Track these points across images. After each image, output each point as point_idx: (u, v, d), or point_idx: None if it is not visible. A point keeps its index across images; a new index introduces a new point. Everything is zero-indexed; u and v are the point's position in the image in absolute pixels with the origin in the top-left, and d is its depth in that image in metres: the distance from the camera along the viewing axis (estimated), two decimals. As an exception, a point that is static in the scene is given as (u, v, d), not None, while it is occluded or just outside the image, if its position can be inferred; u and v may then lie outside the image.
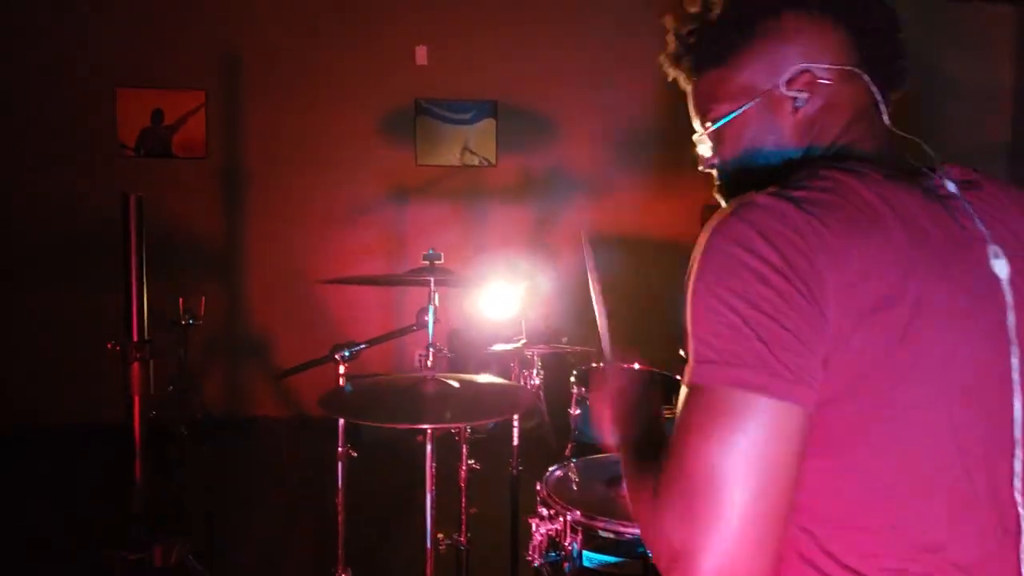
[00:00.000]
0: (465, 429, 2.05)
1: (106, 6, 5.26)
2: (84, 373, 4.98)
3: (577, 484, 1.92)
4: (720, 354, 0.78)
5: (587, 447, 2.12)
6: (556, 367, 2.59)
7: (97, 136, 5.31)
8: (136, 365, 1.78)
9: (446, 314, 5.00)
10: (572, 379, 2.15)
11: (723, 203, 1.08)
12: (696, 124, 1.09)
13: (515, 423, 2.49)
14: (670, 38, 1.09)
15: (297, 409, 5.44)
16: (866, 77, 0.98)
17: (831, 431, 0.81)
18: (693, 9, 1.04)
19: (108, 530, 2.05)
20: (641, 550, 1.58)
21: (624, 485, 0.95)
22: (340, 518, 1.96)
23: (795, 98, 0.97)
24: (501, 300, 2.64)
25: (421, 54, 5.62)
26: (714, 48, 1.02)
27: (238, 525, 3.53)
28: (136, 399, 1.80)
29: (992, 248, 0.86)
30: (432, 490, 1.64)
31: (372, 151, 5.60)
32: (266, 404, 5.51)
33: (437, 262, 1.81)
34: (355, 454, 1.98)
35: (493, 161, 5.72)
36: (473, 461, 2.16)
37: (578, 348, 2.34)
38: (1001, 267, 0.85)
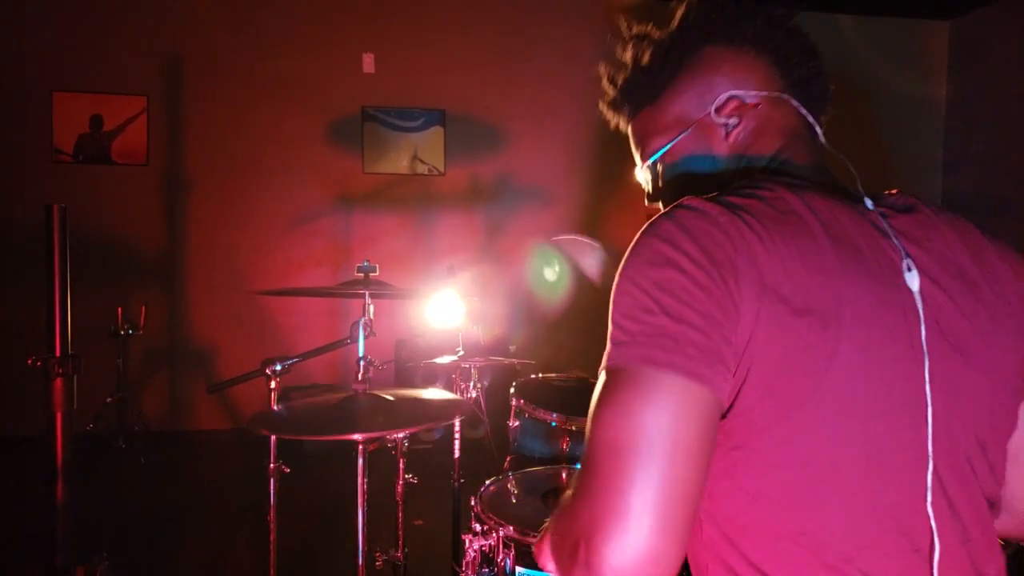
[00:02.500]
0: (403, 443, 2.02)
1: (44, 7, 5.12)
2: (11, 385, 4.82)
3: (516, 497, 1.91)
4: (632, 335, 0.78)
5: (526, 460, 2.12)
6: (502, 378, 2.58)
7: (32, 141, 5.17)
8: (59, 381, 1.71)
9: (389, 325, 5.00)
10: (511, 391, 2.15)
11: None
12: (637, 159, 1.13)
13: (456, 434, 2.48)
14: (606, 85, 1.13)
15: (237, 422, 5.35)
16: (794, 101, 1.01)
17: (742, 434, 0.81)
18: (625, 57, 1.09)
19: (31, 548, 1.97)
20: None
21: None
22: (272, 536, 1.92)
23: (726, 124, 1.00)
24: (446, 310, 2.62)
25: (368, 62, 5.59)
26: (646, 89, 1.07)
27: (172, 540, 3.45)
28: (59, 415, 1.73)
29: (906, 262, 0.88)
30: (364, 504, 1.61)
31: (318, 158, 5.54)
32: (206, 416, 5.40)
33: (372, 274, 1.79)
34: (287, 470, 1.95)
35: (442, 170, 5.71)
36: (411, 475, 2.14)
37: (516, 361, 2.33)
38: (912, 280, 0.87)
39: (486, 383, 2.28)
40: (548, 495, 1.86)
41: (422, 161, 5.68)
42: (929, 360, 0.85)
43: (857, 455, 0.82)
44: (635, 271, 0.82)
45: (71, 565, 1.76)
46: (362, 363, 1.61)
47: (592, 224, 5.80)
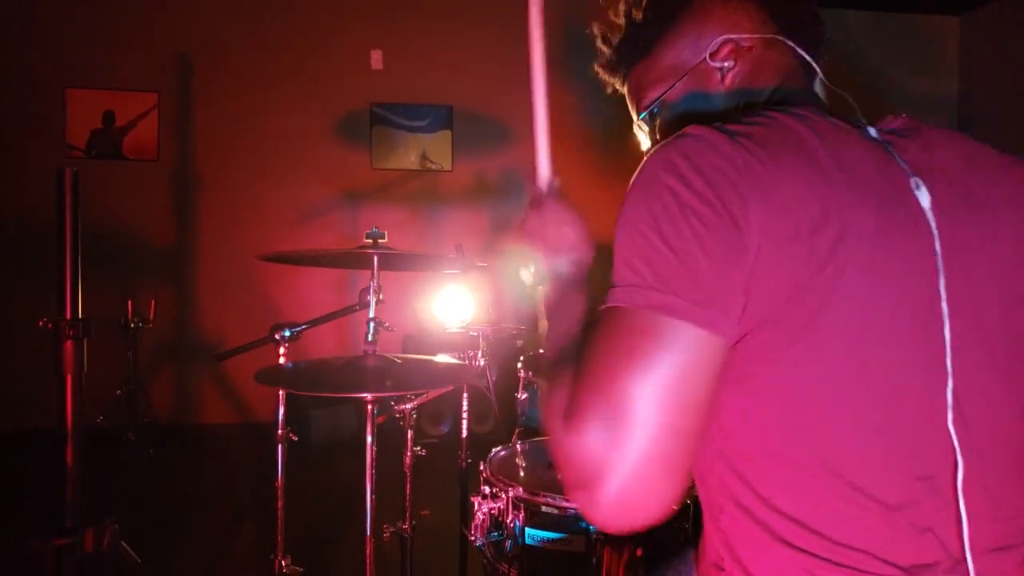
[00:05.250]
0: (411, 414, 2.02)
1: (59, 5, 5.17)
2: (28, 376, 4.85)
3: (524, 468, 1.91)
4: (643, 278, 0.78)
5: (534, 431, 2.11)
6: (506, 357, 2.57)
7: (45, 137, 5.20)
8: (69, 344, 1.73)
9: (397, 321, 4.98)
10: (519, 364, 2.14)
11: None
12: (634, 116, 1.14)
13: (464, 415, 2.48)
14: (600, 46, 1.16)
15: (246, 416, 5.36)
16: (789, 42, 1.01)
17: (755, 361, 0.81)
18: (616, 17, 1.12)
19: (41, 521, 1.98)
20: (584, 525, 1.56)
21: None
22: (280, 503, 1.92)
23: (721, 68, 1.01)
24: (455, 305, 2.63)
25: (376, 58, 5.61)
26: (640, 43, 1.08)
27: (181, 523, 3.45)
28: (68, 378, 1.74)
29: (913, 180, 0.87)
30: (372, 469, 1.61)
31: (327, 154, 5.56)
32: (215, 410, 5.41)
33: (380, 240, 1.79)
34: (295, 438, 1.94)
35: (449, 167, 5.72)
36: (419, 448, 2.13)
37: (523, 328, 2.32)
38: (923, 197, 0.86)
39: (494, 375, 2.27)
40: (553, 463, 1.85)
41: (430, 160, 5.70)
42: (944, 277, 0.84)
43: (868, 378, 0.80)
44: (639, 205, 0.81)
45: (80, 527, 1.77)
46: (372, 324, 1.61)
47: (601, 220, 5.78)
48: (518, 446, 1.97)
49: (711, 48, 1.01)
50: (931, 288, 0.83)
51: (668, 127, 1.06)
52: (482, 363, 2.13)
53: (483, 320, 2.21)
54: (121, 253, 5.20)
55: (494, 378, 2.57)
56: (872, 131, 0.93)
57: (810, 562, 0.80)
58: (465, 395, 2.40)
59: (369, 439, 1.61)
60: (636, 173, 0.84)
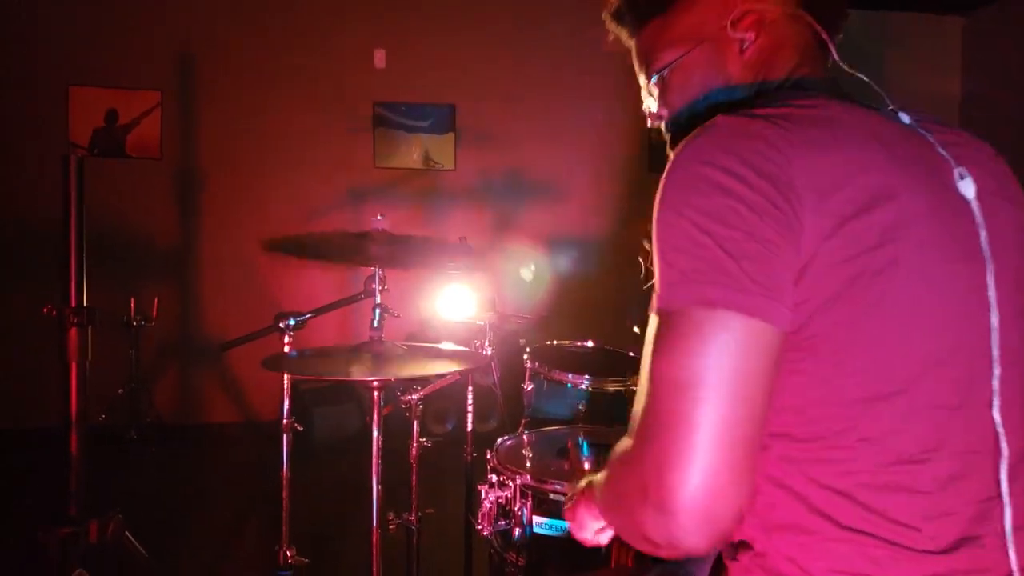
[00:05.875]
0: (417, 405, 2.01)
1: (62, 3, 5.17)
2: (28, 376, 4.86)
3: (530, 459, 1.89)
4: (684, 273, 0.75)
5: (540, 422, 2.10)
6: (510, 353, 2.56)
7: (48, 135, 5.20)
8: (73, 331, 1.72)
9: (401, 317, 4.96)
10: (525, 355, 2.13)
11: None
12: (641, 79, 1.08)
13: (469, 409, 2.46)
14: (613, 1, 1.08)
15: (249, 414, 5.35)
16: (809, 17, 0.98)
17: (803, 340, 0.78)
18: None
19: (44, 514, 1.97)
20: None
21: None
22: (284, 494, 1.90)
23: (742, 39, 0.96)
24: (458, 297, 2.61)
25: (379, 57, 5.60)
26: None
27: (184, 520, 3.44)
28: (73, 366, 1.74)
29: (957, 170, 0.86)
30: (379, 456, 1.60)
31: (330, 153, 5.55)
32: (218, 409, 5.39)
33: (384, 226, 1.79)
34: (300, 428, 1.93)
35: (452, 166, 5.72)
36: (425, 439, 2.12)
37: (527, 316, 2.31)
38: (968, 187, 0.85)
39: (498, 371, 2.26)
40: (563, 451, 1.84)
41: (432, 159, 5.70)
42: (992, 267, 0.82)
43: (919, 360, 0.79)
44: (676, 198, 0.78)
45: (84, 518, 1.76)
46: (377, 311, 1.60)
47: (604, 221, 5.79)
48: (525, 436, 1.96)
49: (733, 16, 0.95)
50: (979, 277, 0.82)
51: (679, 94, 1.02)
52: (489, 352, 2.11)
53: (489, 311, 2.19)
54: (124, 251, 5.19)
55: (499, 373, 2.57)
56: (905, 117, 0.91)
57: (857, 540, 0.79)
58: (470, 388, 2.39)
59: (375, 428, 1.60)
60: (669, 168, 0.81)
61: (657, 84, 1.04)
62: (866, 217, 0.75)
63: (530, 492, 1.61)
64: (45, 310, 1.75)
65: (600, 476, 0.94)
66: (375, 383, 1.53)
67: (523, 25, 5.71)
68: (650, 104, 1.08)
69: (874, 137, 0.82)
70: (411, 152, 5.69)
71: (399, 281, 2.22)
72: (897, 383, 0.78)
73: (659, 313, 0.77)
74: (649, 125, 1.10)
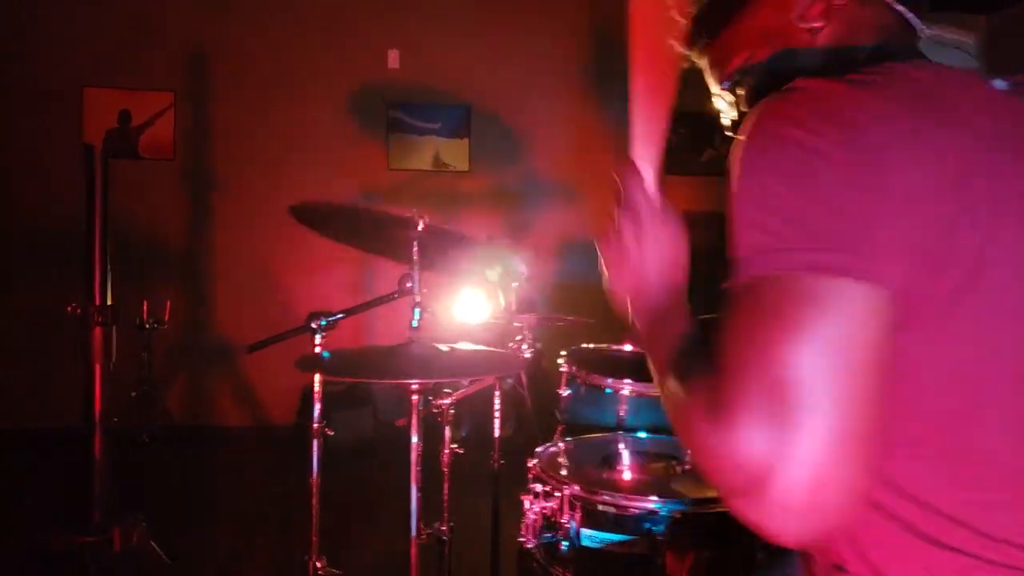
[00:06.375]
0: (449, 410, 1.93)
1: (74, 4, 5.12)
2: (45, 376, 4.81)
3: (567, 467, 1.81)
4: (782, 239, 0.67)
5: (579, 429, 2.02)
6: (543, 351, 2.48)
7: (63, 136, 5.14)
8: (97, 330, 1.64)
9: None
10: (561, 359, 2.05)
11: None
12: (714, 88, 1.04)
13: (497, 412, 2.38)
14: (678, 18, 1.03)
15: (262, 419, 5.28)
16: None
17: (899, 337, 0.70)
18: None
19: (67, 519, 1.89)
20: (647, 526, 1.46)
21: (665, 398, 0.83)
22: (314, 500, 1.82)
23: (811, 29, 0.91)
24: (476, 304, 2.54)
25: (393, 57, 5.55)
26: (724, 10, 0.99)
27: (202, 525, 3.36)
28: (97, 367, 1.66)
29: None
30: (418, 464, 1.52)
31: (343, 154, 5.49)
32: (230, 413, 5.32)
33: (420, 219, 1.71)
34: (331, 432, 1.85)
35: (466, 168, 5.65)
36: (456, 445, 2.04)
37: (570, 318, 2.22)
38: None
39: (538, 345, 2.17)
40: (607, 461, 1.76)
41: (445, 162, 5.63)
42: None
43: (1015, 362, 0.72)
44: (764, 162, 0.71)
45: (108, 524, 1.68)
46: (417, 310, 1.53)
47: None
48: (561, 444, 1.88)
49: (800, 9, 0.91)
50: None
51: (756, 92, 0.97)
52: (528, 355, 2.03)
53: (529, 312, 2.10)
54: (136, 253, 5.12)
55: (526, 377, 2.49)
56: (1001, 83, 0.84)
57: (961, 561, 0.71)
58: (497, 393, 2.31)
59: (414, 434, 1.52)
60: (750, 131, 0.75)
61: (729, 89, 1.01)
62: (953, 199, 0.68)
63: (579, 503, 1.53)
64: (69, 308, 1.66)
65: (676, 383, 0.80)
66: (414, 386, 1.45)
67: (539, 26, 5.65)
68: (725, 109, 1.04)
69: (969, 107, 0.75)
70: (425, 154, 5.63)
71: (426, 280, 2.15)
72: (1004, 382, 0.72)
73: (751, 281, 0.69)
74: (727, 133, 1.06)
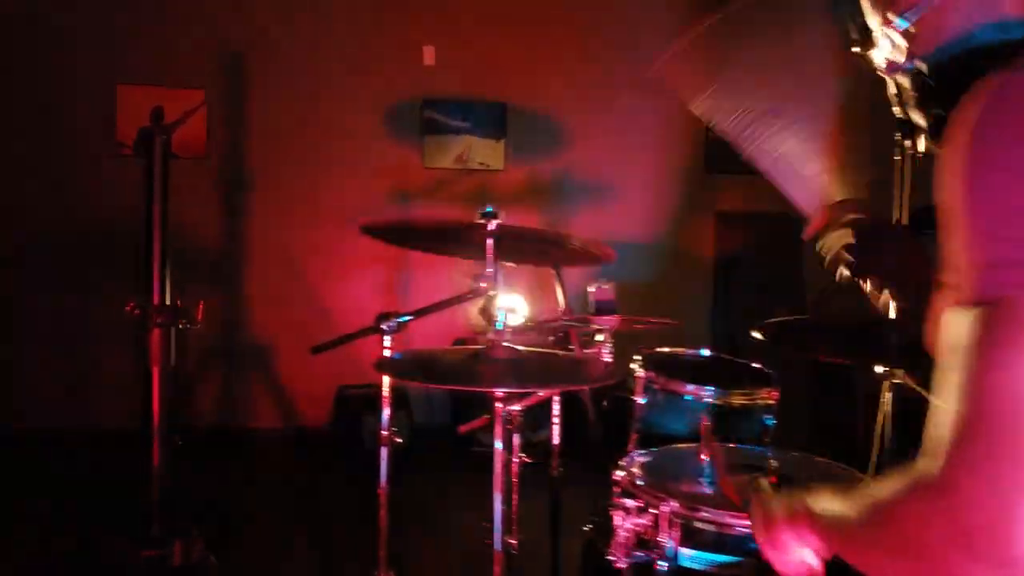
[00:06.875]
0: (518, 416, 1.82)
1: (107, 1, 5.06)
2: (82, 376, 4.76)
3: (658, 481, 1.68)
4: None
5: (655, 438, 1.90)
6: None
7: (96, 134, 5.09)
8: (157, 332, 1.54)
9: (447, 321, 4.83)
10: (636, 363, 1.93)
11: (920, 117, 0.89)
12: (875, 24, 0.90)
13: (555, 420, 2.27)
14: None
15: (295, 421, 5.20)
16: None
17: None
18: None
19: (119, 527, 1.79)
20: (754, 546, 1.34)
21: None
22: (383, 512, 1.72)
23: None
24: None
25: (429, 54, 5.45)
26: None
27: (244, 534, 3.26)
28: (156, 372, 1.56)
29: None
30: (506, 468, 1.41)
31: (378, 152, 5.41)
32: (264, 415, 5.24)
33: (495, 219, 1.61)
34: (400, 440, 1.75)
35: (501, 166, 5.55)
36: (524, 455, 1.93)
37: (654, 320, 2.10)
38: None
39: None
40: (701, 473, 1.63)
41: (482, 161, 5.54)
42: None
43: None
44: (999, 152, 0.60)
45: (168, 538, 1.59)
46: (501, 311, 1.42)
47: (656, 225, 5.60)
48: (645, 455, 1.76)
49: None
50: None
51: (935, 35, 0.84)
52: (609, 359, 1.92)
53: (606, 307, 1.98)
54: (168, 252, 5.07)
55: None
56: None
57: None
58: (557, 398, 2.19)
59: (499, 442, 1.41)
60: (973, 115, 0.63)
61: (898, 27, 0.86)
62: None
63: (678, 520, 1.42)
64: (128, 307, 1.56)
65: (836, 503, 0.79)
66: (500, 395, 1.35)
67: (577, 23, 5.55)
68: (888, 52, 0.89)
69: None
70: (459, 152, 5.53)
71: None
72: None
73: (983, 303, 0.58)
74: (885, 75, 0.92)
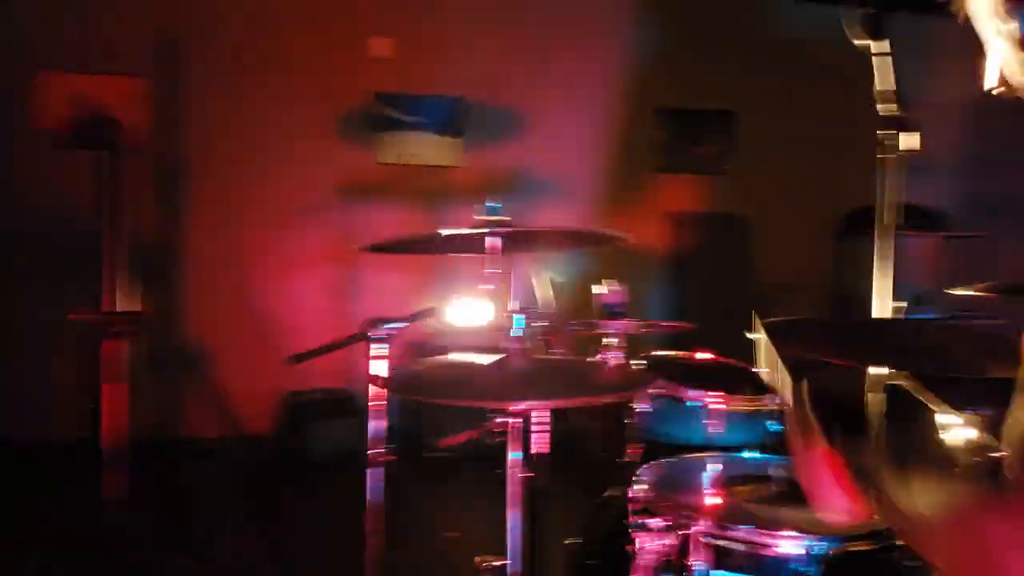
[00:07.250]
0: (529, 427, 1.67)
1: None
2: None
3: (680, 497, 1.55)
4: None
5: (661, 448, 1.77)
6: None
7: (20, 123, 4.73)
8: (111, 343, 1.34)
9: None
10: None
11: None
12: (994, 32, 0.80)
13: (542, 429, 2.13)
14: None
15: (235, 429, 4.93)
16: None
17: None
18: None
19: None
20: (793, 567, 1.23)
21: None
22: (369, 539, 1.55)
23: None
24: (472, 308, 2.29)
25: (378, 46, 5.27)
26: None
27: (202, 550, 3.03)
28: (108, 389, 1.36)
29: None
30: (525, 466, 1.26)
31: (328, 147, 5.21)
32: (202, 423, 4.95)
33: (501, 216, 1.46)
34: (394, 457, 1.58)
35: (457, 163, 5.41)
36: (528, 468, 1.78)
37: (666, 324, 1.97)
38: None
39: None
40: (735, 482, 1.49)
41: (437, 157, 5.38)
42: None
43: None
44: None
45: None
46: (520, 315, 1.27)
47: (609, 222, 5.53)
48: (656, 467, 1.63)
49: None
50: None
51: None
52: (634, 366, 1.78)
53: (611, 311, 1.82)
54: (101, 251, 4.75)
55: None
56: None
57: None
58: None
59: (515, 455, 1.26)
60: None
61: None
62: None
63: (707, 541, 1.29)
64: (71, 316, 1.35)
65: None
66: (527, 412, 1.20)
67: (536, 19, 5.45)
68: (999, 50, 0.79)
69: None
70: (414, 147, 5.36)
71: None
72: None
73: None
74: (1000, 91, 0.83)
